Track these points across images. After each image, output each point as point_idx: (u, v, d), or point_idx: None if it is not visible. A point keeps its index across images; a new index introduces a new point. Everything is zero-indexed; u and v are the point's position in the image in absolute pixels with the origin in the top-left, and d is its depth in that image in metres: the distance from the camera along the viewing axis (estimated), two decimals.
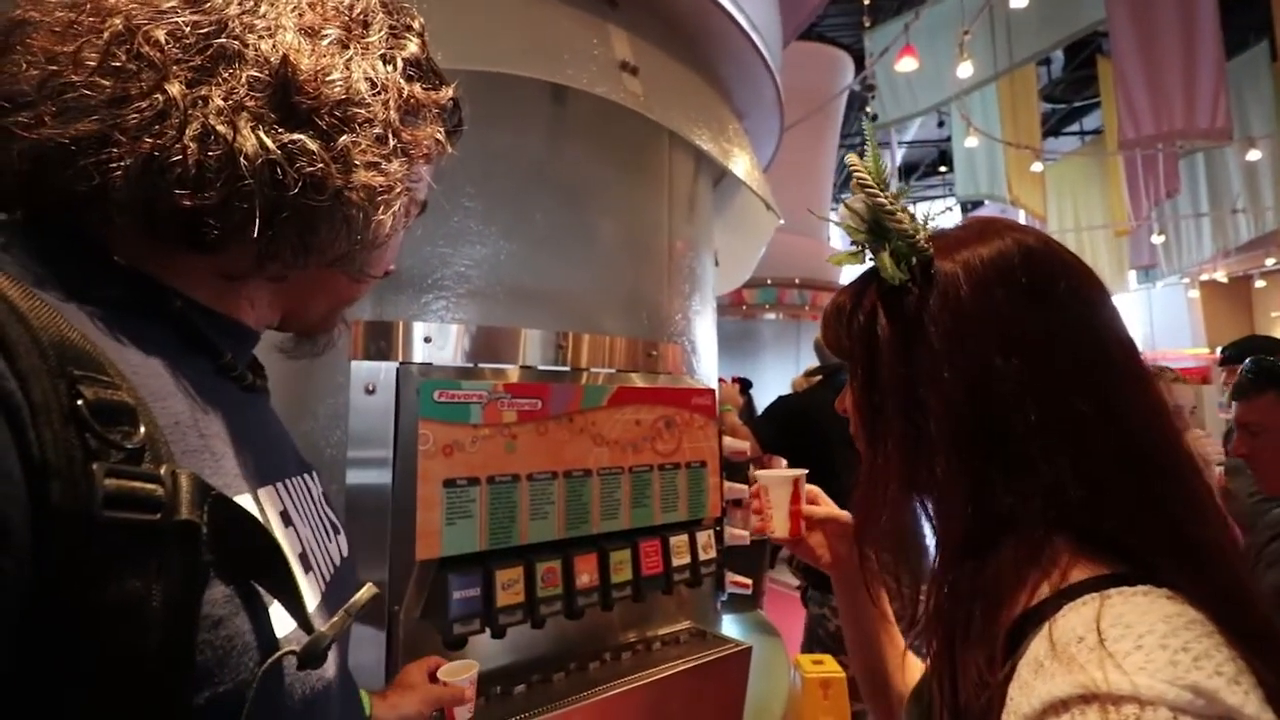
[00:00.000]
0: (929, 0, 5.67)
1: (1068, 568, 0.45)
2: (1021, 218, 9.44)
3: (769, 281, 7.03)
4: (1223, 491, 1.97)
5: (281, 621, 0.38)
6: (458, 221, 1.13)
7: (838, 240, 7.50)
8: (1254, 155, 7.51)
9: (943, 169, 11.60)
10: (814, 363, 2.97)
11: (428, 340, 1.06)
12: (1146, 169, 7.95)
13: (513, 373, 1.11)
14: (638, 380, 1.26)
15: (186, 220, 0.38)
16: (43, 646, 0.28)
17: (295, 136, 0.40)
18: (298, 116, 0.41)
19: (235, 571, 0.35)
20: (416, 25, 0.52)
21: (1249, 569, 1.23)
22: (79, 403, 0.30)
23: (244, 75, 0.40)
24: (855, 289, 0.59)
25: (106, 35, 0.37)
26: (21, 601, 0.27)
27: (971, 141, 7.56)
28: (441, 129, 0.52)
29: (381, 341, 1.04)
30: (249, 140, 0.38)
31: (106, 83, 0.37)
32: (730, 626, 1.75)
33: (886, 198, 0.55)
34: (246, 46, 0.40)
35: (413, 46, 0.50)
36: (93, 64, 0.37)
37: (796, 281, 7.15)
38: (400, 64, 0.48)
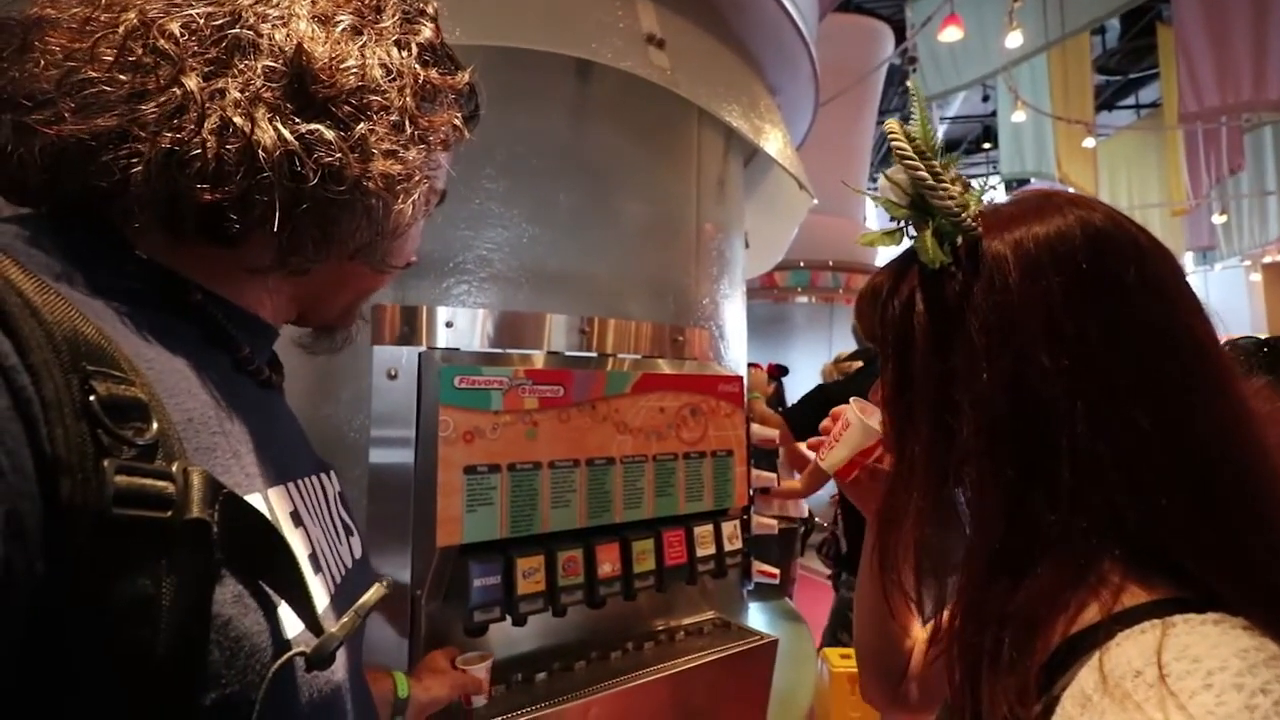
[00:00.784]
0: None
1: (1119, 590, 0.39)
2: None
3: (801, 264, 6.89)
4: None
5: (291, 623, 0.37)
6: (479, 204, 1.11)
7: (875, 221, 7.30)
8: None
9: (986, 145, 11.18)
10: (846, 348, 2.90)
11: (449, 325, 1.05)
12: (1208, 144, 7.50)
13: (537, 358, 1.09)
14: (664, 366, 1.24)
15: (207, 214, 0.38)
16: (53, 642, 0.28)
17: (312, 126, 0.40)
18: (314, 106, 0.41)
19: (245, 571, 0.35)
20: (430, 10, 0.51)
21: None
22: (91, 398, 0.30)
23: (259, 66, 0.39)
24: (895, 269, 0.54)
25: (122, 30, 0.38)
26: (32, 597, 0.27)
27: (1019, 116, 7.22)
28: (459, 114, 0.51)
29: (404, 326, 1.03)
30: (267, 132, 0.39)
31: (124, 78, 0.37)
32: (756, 615, 1.73)
33: (928, 168, 0.49)
34: (261, 36, 0.40)
35: (427, 31, 0.49)
36: (110, 59, 0.37)
37: (830, 264, 6.99)
38: (415, 49, 0.48)
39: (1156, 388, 0.42)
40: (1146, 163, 8.91)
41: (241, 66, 0.39)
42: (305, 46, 0.41)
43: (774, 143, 1.56)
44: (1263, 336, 1.31)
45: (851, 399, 0.75)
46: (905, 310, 0.51)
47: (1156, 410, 0.41)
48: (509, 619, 0.96)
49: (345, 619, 0.39)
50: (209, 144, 0.37)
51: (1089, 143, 7.89)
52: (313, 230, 0.42)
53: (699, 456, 1.19)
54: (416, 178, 0.45)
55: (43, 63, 0.37)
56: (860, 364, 2.61)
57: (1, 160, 0.38)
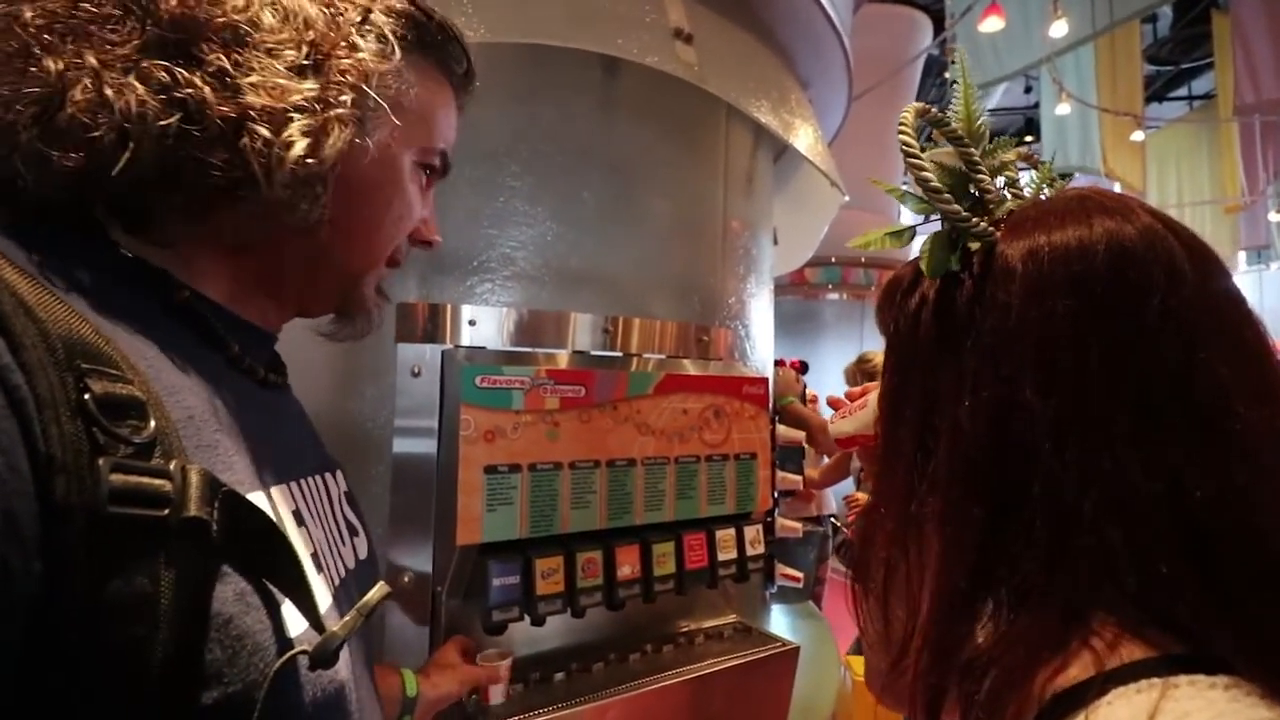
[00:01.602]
0: None
1: (1114, 644, 0.35)
2: (1117, 191, 8.72)
3: (833, 260, 6.77)
4: None
5: (295, 621, 0.37)
6: (503, 202, 1.10)
7: (909, 217, 7.13)
8: None
9: (1028, 139, 10.84)
10: (876, 347, 2.83)
11: (473, 323, 1.05)
12: (1266, 137, 7.15)
13: (561, 358, 1.08)
14: (688, 366, 1.22)
15: (84, 186, 0.37)
16: (51, 641, 0.28)
17: (166, 67, 0.38)
18: (173, 50, 0.38)
19: (246, 569, 0.34)
20: None
21: None
22: (86, 396, 0.30)
23: (116, 29, 0.37)
24: (917, 266, 0.48)
25: None
26: (30, 597, 0.27)
27: (1063, 108, 6.97)
28: (375, 37, 0.46)
29: (428, 324, 1.03)
30: (125, 89, 0.36)
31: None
32: (779, 618, 1.71)
33: (965, 157, 0.44)
34: None
35: None
36: None
37: (862, 260, 6.86)
38: None
39: (1152, 447, 0.36)
40: (1199, 157, 8.53)
41: (102, 35, 0.37)
42: None
43: (804, 138, 1.52)
44: None
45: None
46: (916, 313, 0.46)
47: (1156, 465, 0.36)
48: (527, 619, 0.96)
49: (347, 618, 0.38)
50: (72, 115, 0.36)
51: (1138, 136, 7.58)
52: (201, 184, 0.39)
53: (721, 459, 1.17)
54: (306, 108, 0.41)
55: None
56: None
57: None
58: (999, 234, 0.43)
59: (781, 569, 1.43)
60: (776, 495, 1.38)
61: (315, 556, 0.44)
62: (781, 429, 1.58)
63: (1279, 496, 0.36)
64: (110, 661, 0.29)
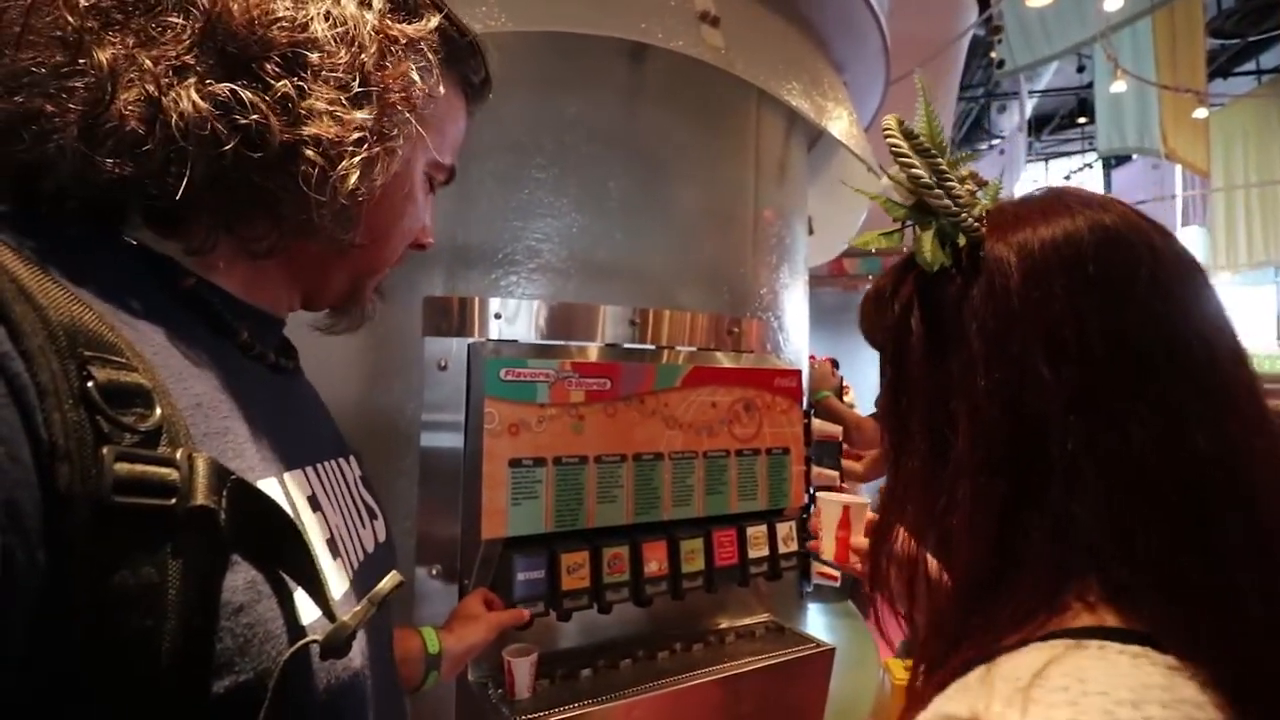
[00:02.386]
0: None
1: (1080, 611, 0.38)
2: (1177, 173, 8.23)
3: (873, 251, 6.61)
4: None
5: (308, 610, 0.36)
6: (528, 194, 1.09)
7: None
8: None
9: (1081, 120, 10.34)
10: None
11: (499, 316, 1.04)
12: None
13: (590, 350, 1.07)
14: (719, 359, 1.19)
15: (124, 191, 0.37)
16: (58, 631, 0.28)
17: (231, 88, 0.37)
18: (234, 65, 0.38)
19: (257, 558, 0.34)
20: None
21: None
22: (90, 384, 0.29)
23: (171, 28, 0.37)
24: (897, 271, 0.52)
25: (25, 6, 0.35)
26: (34, 587, 0.27)
27: (1119, 86, 6.61)
28: (422, 64, 0.46)
29: (454, 318, 1.03)
30: (180, 99, 0.36)
31: (26, 56, 0.35)
32: (815, 618, 1.67)
33: (932, 166, 0.47)
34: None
35: None
36: (13, 37, 0.35)
37: (905, 249, 6.68)
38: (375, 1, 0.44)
39: (1155, 404, 0.39)
40: (1268, 135, 8.00)
41: (154, 31, 0.37)
42: (223, 4, 0.38)
43: (839, 122, 1.47)
44: None
45: (817, 493, 0.81)
46: (904, 313, 0.49)
47: (1152, 428, 0.39)
48: (553, 614, 0.95)
49: (359, 608, 0.38)
50: (121, 117, 0.35)
51: (1200, 113, 7.15)
52: (245, 200, 0.39)
53: (753, 454, 1.14)
54: (364, 140, 0.41)
55: None
56: None
57: None
58: (983, 229, 0.46)
59: (818, 567, 1.39)
60: (812, 491, 1.34)
61: (331, 541, 0.43)
62: (817, 423, 1.54)
63: (1267, 455, 0.39)
64: (119, 652, 0.28)
